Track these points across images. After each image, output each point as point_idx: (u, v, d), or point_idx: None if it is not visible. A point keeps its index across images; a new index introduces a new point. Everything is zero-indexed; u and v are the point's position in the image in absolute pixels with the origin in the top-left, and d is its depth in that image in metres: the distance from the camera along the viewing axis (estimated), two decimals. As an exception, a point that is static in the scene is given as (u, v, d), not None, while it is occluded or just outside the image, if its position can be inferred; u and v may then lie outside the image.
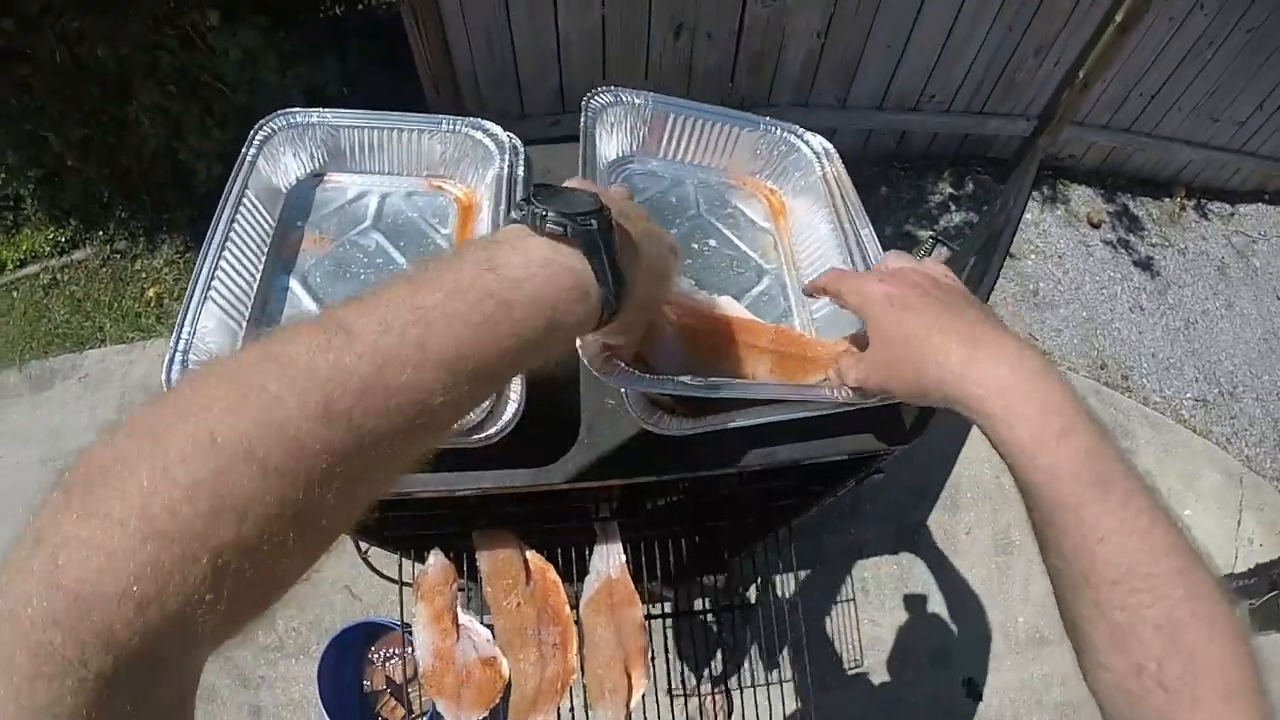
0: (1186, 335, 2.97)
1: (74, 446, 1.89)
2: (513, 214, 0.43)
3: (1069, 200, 3.20)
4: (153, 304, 2.58)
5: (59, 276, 2.71)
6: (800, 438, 0.80)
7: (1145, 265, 3.10)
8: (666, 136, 0.99)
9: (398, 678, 1.80)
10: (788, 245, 0.97)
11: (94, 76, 2.22)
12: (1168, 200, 3.33)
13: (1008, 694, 2.16)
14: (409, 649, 1.09)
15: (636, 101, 0.95)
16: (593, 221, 0.41)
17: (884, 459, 0.86)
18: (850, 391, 0.60)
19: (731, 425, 0.69)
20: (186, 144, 2.34)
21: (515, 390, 0.71)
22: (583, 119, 0.88)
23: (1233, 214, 3.43)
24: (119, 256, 2.67)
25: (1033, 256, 3.02)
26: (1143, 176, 3.33)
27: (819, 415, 0.73)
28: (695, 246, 0.92)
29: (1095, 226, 3.14)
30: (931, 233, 2.03)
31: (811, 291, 0.65)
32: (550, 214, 0.40)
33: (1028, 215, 3.12)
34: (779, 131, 1.03)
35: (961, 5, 2.47)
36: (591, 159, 0.86)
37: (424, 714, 1.72)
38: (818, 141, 1.03)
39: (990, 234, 1.27)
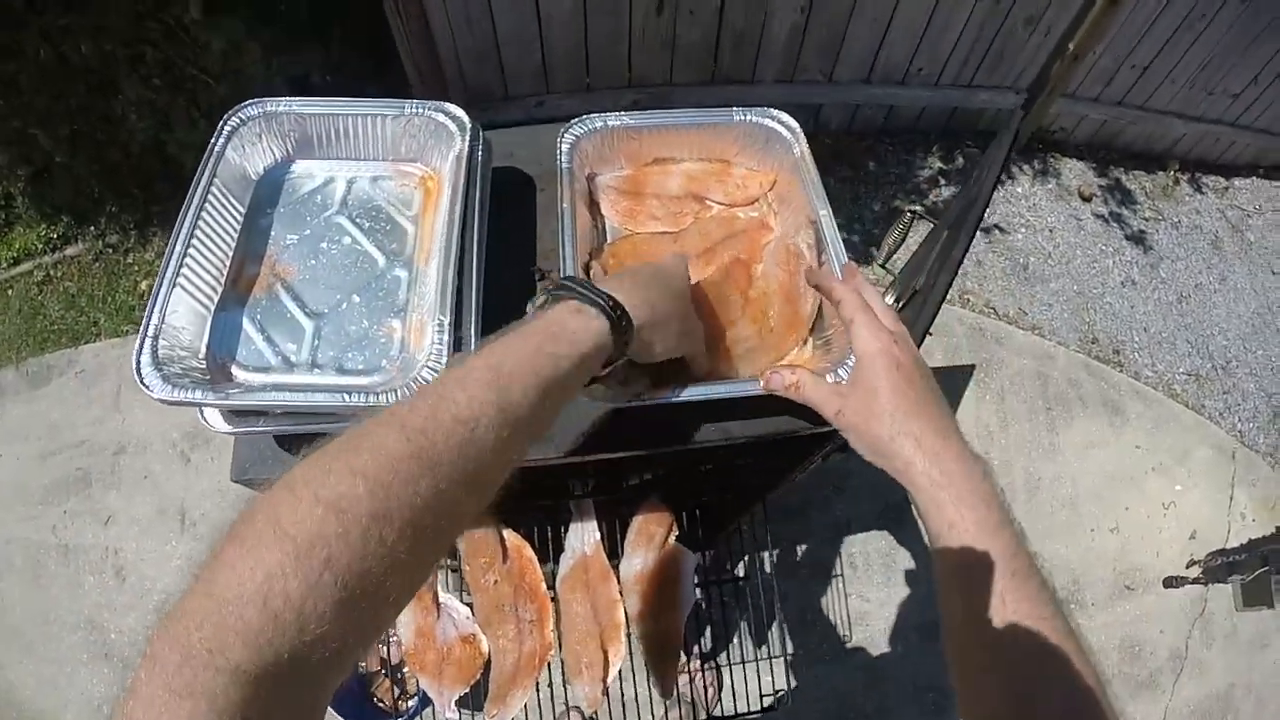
0: (1179, 310, 2.97)
1: (72, 440, 1.91)
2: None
3: (1060, 174, 3.18)
4: (145, 297, 2.59)
5: (52, 273, 2.73)
6: (755, 415, 0.81)
7: (1137, 239, 3.09)
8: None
9: (392, 659, 1.82)
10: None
11: (79, 72, 2.23)
12: (1161, 174, 3.31)
13: (998, 667, 2.17)
14: (394, 630, 1.12)
15: (613, 124, 0.94)
16: (580, 283, 0.56)
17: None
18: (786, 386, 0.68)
19: (677, 399, 0.70)
20: (174, 137, 2.35)
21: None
22: (560, 146, 0.89)
23: (1227, 188, 3.41)
24: (111, 251, 2.69)
25: (1023, 230, 3.01)
26: (1135, 150, 3.30)
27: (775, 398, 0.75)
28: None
29: (1086, 200, 3.13)
30: (911, 207, 2.02)
31: (815, 283, 0.73)
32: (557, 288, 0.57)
33: (1018, 189, 3.12)
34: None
35: (948, -24, 2.46)
36: (569, 183, 0.86)
37: (416, 695, 1.75)
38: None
39: (963, 206, 1.28)
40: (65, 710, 2.07)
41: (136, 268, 2.65)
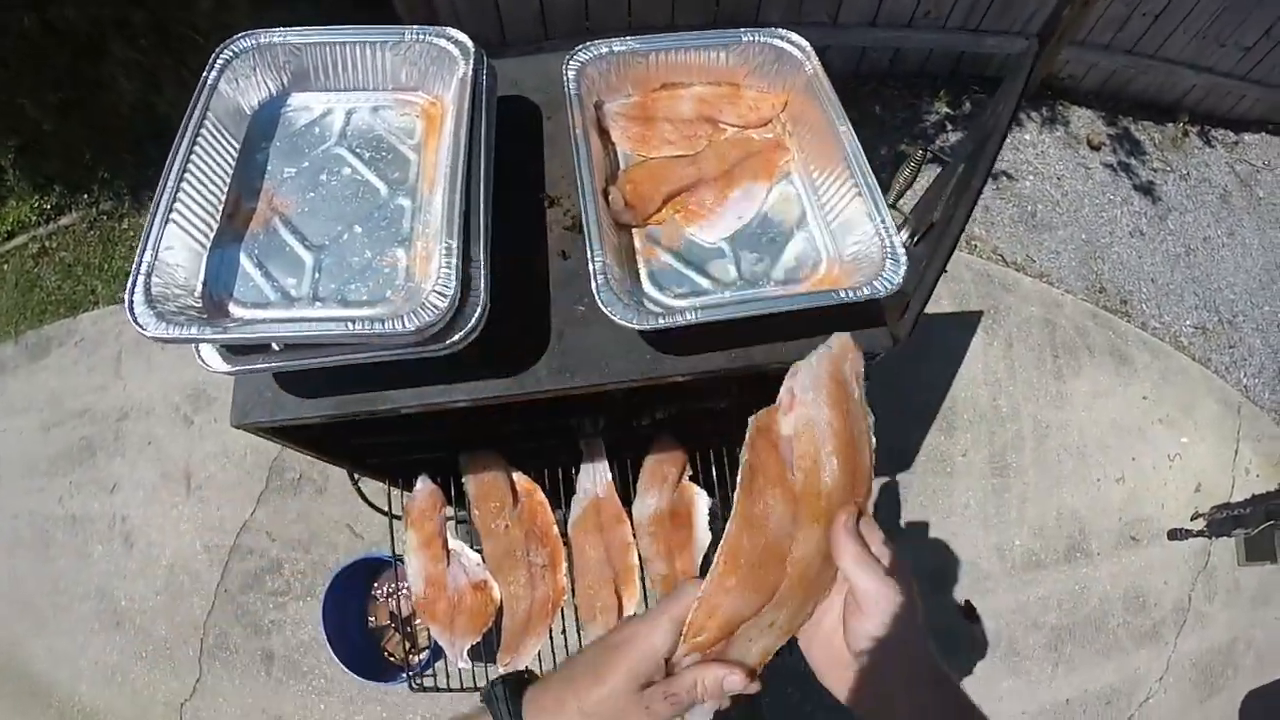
0: (1187, 262, 2.93)
1: (74, 410, 1.88)
2: None
3: (1069, 122, 3.13)
4: (142, 264, 2.57)
5: (47, 244, 2.70)
6: (785, 338, 0.79)
7: (1146, 190, 3.04)
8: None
9: (401, 612, 1.83)
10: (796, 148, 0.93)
11: (66, 37, 2.18)
12: (1170, 125, 3.25)
13: (1004, 616, 2.19)
14: (404, 582, 1.11)
15: (619, 49, 0.91)
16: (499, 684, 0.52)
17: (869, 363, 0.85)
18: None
19: (699, 320, 0.68)
20: (164, 97, 2.30)
21: (480, 292, 0.70)
22: (565, 73, 0.86)
23: (1237, 142, 3.36)
24: (105, 217, 2.65)
25: (1031, 178, 2.97)
26: (1145, 100, 3.24)
27: (797, 320, 0.72)
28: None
29: (1095, 149, 3.07)
30: (921, 146, 1.97)
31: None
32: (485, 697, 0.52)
33: (1025, 136, 3.06)
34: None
35: (958, -83, 2.38)
36: (578, 110, 0.84)
37: (427, 648, 1.75)
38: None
39: (980, 137, 1.24)
40: (79, 680, 2.07)
41: (132, 233, 2.62)
